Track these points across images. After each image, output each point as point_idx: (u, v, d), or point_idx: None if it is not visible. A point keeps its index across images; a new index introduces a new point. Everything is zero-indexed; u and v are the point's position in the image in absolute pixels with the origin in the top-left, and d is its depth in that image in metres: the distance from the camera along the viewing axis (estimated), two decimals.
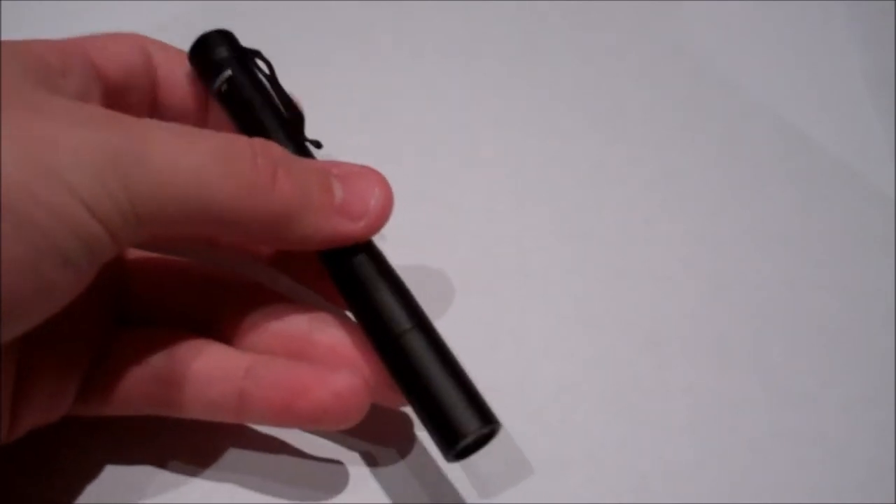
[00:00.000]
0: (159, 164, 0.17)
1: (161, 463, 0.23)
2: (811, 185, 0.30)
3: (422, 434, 0.23)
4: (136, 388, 0.21)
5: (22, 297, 0.16)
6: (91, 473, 0.22)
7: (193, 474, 0.22)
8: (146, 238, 0.18)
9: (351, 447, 0.23)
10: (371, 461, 0.23)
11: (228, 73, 0.23)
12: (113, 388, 0.21)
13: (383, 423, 0.23)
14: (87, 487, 0.22)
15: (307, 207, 0.20)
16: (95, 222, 0.17)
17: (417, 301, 0.21)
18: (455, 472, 0.23)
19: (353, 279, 0.21)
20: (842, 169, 0.30)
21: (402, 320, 0.20)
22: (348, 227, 0.20)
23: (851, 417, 0.24)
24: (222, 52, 0.24)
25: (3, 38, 0.20)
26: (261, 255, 0.24)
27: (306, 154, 0.23)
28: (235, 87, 0.23)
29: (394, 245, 0.28)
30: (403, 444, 0.23)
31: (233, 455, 0.23)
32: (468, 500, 0.23)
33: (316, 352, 0.21)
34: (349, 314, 0.21)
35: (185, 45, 0.25)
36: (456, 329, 0.26)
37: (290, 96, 0.24)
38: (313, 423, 0.21)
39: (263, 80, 0.24)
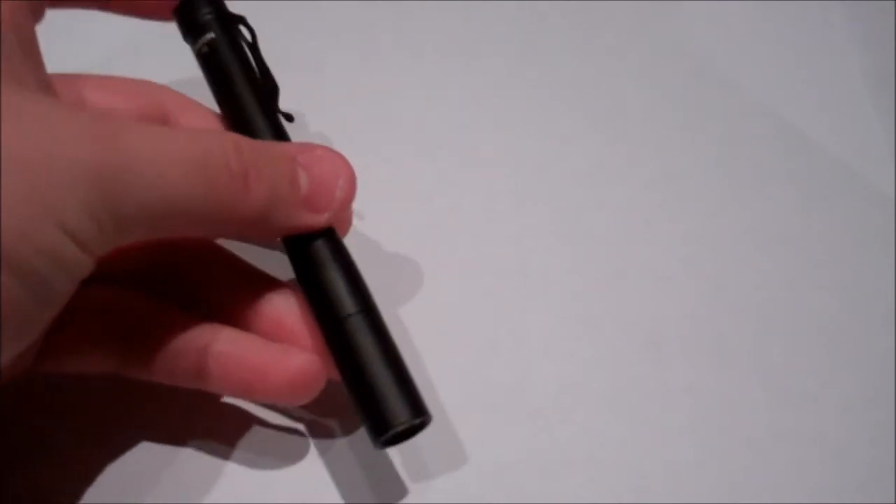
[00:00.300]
0: (143, 182, 0.18)
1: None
2: (811, 185, 0.30)
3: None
4: (98, 349, 0.21)
5: (11, 323, 0.16)
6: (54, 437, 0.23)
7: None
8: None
9: (300, 417, 0.24)
10: (326, 433, 0.23)
11: (211, 35, 0.24)
12: (76, 347, 0.21)
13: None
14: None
15: (276, 206, 0.20)
16: (79, 250, 0.17)
17: (368, 287, 0.21)
18: (455, 471, 0.23)
19: (307, 261, 0.21)
20: (842, 169, 0.30)
21: (347, 304, 0.21)
22: (312, 220, 0.21)
23: (851, 417, 0.24)
24: (208, 13, 0.24)
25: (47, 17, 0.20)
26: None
27: (278, 126, 0.23)
28: (216, 50, 0.24)
29: (393, 244, 0.28)
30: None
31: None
32: (468, 501, 0.23)
33: (271, 330, 0.22)
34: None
35: (186, 44, 0.25)
36: (456, 329, 0.26)
37: (268, 67, 0.24)
38: (271, 401, 0.22)
39: (245, 47, 0.24)
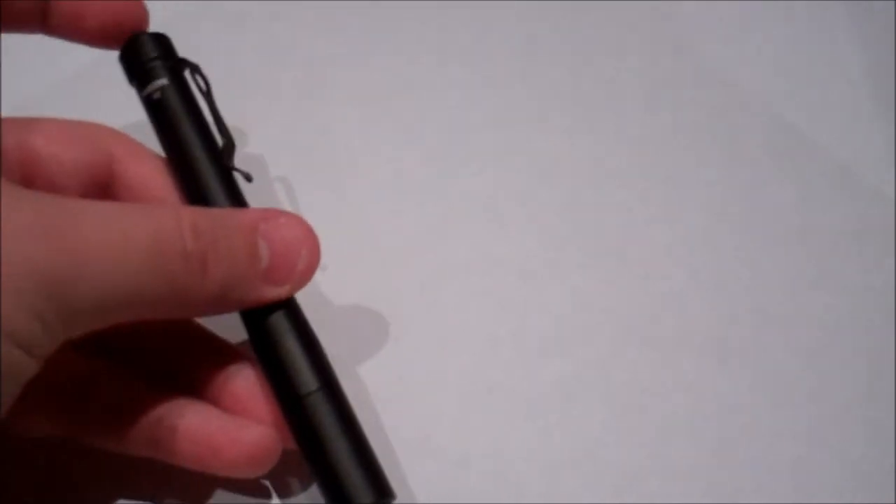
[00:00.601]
0: (93, 279, 0.17)
1: None
2: (811, 185, 0.30)
3: None
4: (49, 414, 0.21)
5: None
6: None
7: None
8: None
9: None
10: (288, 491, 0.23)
11: (163, 82, 0.22)
12: (27, 411, 0.19)
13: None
14: None
15: (234, 284, 0.19)
16: (23, 354, 0.16)
17: (328, 360, 0.21)
18: (455, 471, 0.23)
19: (264, 334, 0.20)
20: (842, 169, 0.30)
21: (307, 381, 0.20)
22: (272, 294, 0.20)
23: (851, 417, 0.24)
24: (160, 59, 0.22)
25: (3, 39, 0.19)
26: None
27: (234, 188, 0.22)
28: (168, 99, 0.22)
29: (393, 242, 0.28)
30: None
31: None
32: (468, 501, 0.23)
33: (228, 400, 0.21)
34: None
35: (185, 45, 0.24)
36: (456, 329, 0.26)
37: (224, 120, 0.23)
38: (225, 474, 0.21)
39: (197, 96, 0.23)
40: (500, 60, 0.33)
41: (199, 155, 0.22)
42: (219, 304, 0.20)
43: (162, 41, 0.23)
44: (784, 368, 0.25)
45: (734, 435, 0.24)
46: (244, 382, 0.21)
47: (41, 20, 0.22)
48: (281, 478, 0.23)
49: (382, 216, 0.28)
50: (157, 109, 0.22)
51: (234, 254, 0.19)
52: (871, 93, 0.32)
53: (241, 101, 0.27)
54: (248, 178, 0.22)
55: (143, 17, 0.23)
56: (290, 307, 0.21)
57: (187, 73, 0.23)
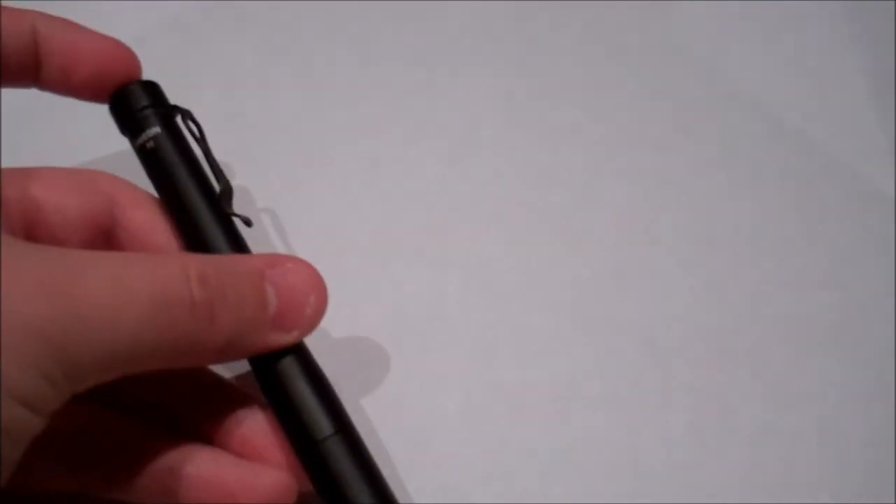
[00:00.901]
0: (100, 334, 0.17)
1: None
2: (811, 185, 0.30)
3: None
4: (59, 468, 0.20)
5: None
6: None
7: None
8: None
9: None
10: None
11: (156, 130, 0.22)
12: (35, 466, 0.19)
13: None
14: None
15: (242, 332, 0.19)
16: (29, 413, 0.16)
17: (341, 403, 0.20)
18: (455, 471, 0.23)
19: (275, 380, 0.20)
20: (842, 169, 0.30)
21: (322, 426, 0.19)
22: (281, 340, 0.20)
23: (851, 417, 0.24)
24: (151, 107, 0.22)
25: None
26: None
27: (235, 235, 0.21)
28: (161, 147, 0.22)
29: (393, 246, 0.28)
30: None
31: None
32: (468, 501, 0.23)
33: (239, 445, 0.21)
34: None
35: (185, 45, 0.24)
36: (456, 330, 0.26)
37: (219, 165, 0.22)
38: None
39: (190, 143, 0.22)
40: (501, 60, 0.33)
41: (197, 202, 0.21)
42: (227, 353, 0.19)
43: (151, 89, 0.23)
44: (784, 368, 0.25)
45: (734, 435, 0.24)
46: (255, 426, 0.21)
47: (35, 74, 0.22)
48: None
49: (380, 216, 0.28)
50: (151, 159, 0.22)
51: (242, 301, 0.19)
52: (872, 93, 0.32)
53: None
54: (248, 223, 0.22)
55: (135, 65, 0.23)
56: (299, 351, 0.20)
57: (179, 119, 0.23)
